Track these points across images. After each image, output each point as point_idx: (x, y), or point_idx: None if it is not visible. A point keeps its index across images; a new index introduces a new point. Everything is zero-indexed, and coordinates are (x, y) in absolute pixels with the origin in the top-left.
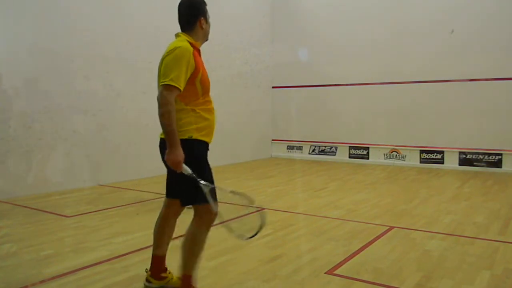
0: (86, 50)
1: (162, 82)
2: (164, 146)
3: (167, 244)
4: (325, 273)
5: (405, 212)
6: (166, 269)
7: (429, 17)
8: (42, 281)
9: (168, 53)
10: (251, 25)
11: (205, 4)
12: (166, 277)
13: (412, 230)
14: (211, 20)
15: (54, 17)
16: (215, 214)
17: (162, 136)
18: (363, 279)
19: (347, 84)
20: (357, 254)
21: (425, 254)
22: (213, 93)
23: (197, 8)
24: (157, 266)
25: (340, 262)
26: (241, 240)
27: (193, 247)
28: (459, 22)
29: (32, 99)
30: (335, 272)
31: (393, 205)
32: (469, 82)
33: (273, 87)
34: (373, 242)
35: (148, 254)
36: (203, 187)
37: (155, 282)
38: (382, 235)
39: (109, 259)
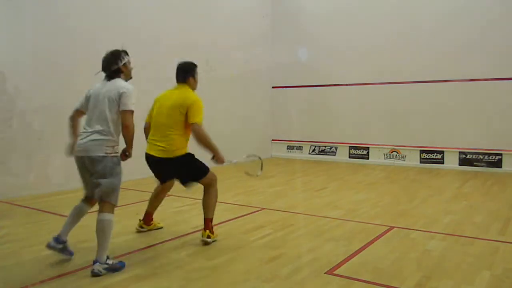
0: (87, 51)
1: (197, 120)
2: (163, 163)
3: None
4: (325, 273)
5: (405, 212)
6: (152, 219)
7: (429, 18)
8: (42, 281)
9: (193, 102)
10: (251, 25)
11: (195, 65)
12: (152, 223)
13: (412, 230)
14: (210, 19)
15: (54, 18)
16: (215, 175)
17: (162, 156)
18: (363, 279)
19: (347, 84)
20: (357, 254)
21: (425, 254)
22: (213, 93)
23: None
24: (149, 218)
25: (340, 262)
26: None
27: (212, 199)
28: (459, 23)
29: (32, 99)
30: (335, 272)
31: (393, 205)
32: (469, 82)
33: (273, 87)
34: (373, 242)
35: (148, 254)
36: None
37: (145, 226)
38: (382, 235)
39: None
